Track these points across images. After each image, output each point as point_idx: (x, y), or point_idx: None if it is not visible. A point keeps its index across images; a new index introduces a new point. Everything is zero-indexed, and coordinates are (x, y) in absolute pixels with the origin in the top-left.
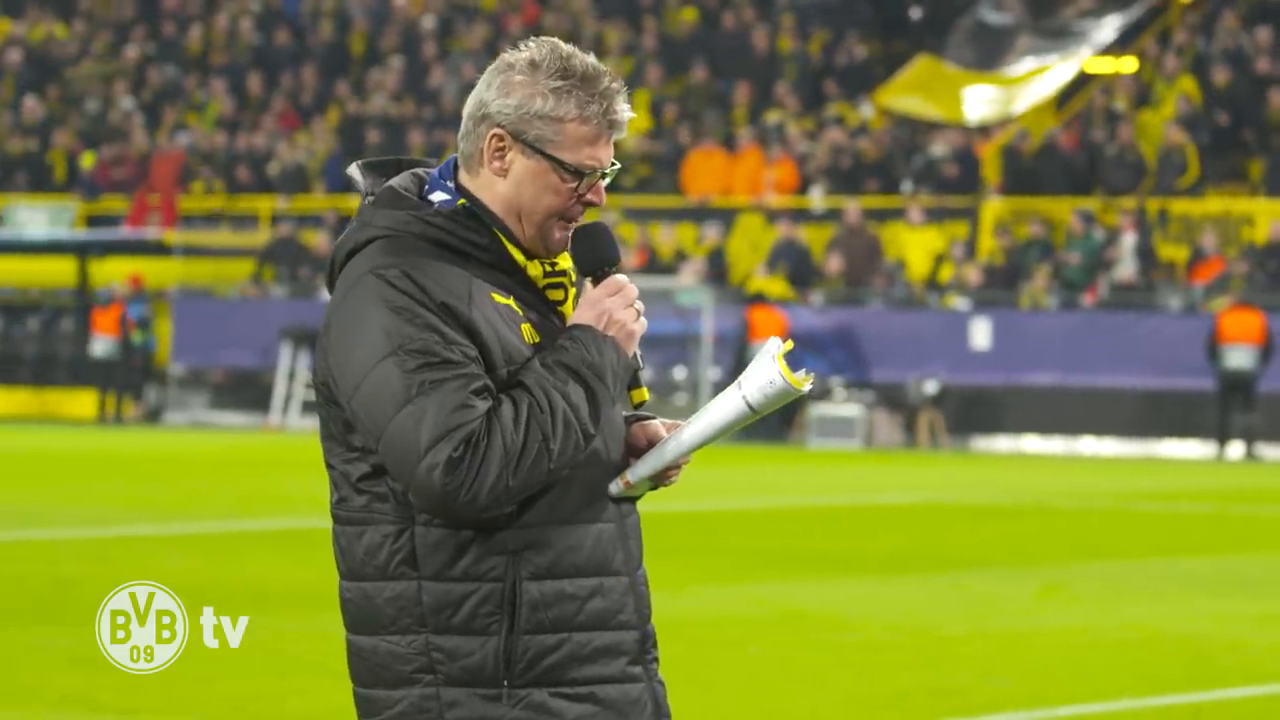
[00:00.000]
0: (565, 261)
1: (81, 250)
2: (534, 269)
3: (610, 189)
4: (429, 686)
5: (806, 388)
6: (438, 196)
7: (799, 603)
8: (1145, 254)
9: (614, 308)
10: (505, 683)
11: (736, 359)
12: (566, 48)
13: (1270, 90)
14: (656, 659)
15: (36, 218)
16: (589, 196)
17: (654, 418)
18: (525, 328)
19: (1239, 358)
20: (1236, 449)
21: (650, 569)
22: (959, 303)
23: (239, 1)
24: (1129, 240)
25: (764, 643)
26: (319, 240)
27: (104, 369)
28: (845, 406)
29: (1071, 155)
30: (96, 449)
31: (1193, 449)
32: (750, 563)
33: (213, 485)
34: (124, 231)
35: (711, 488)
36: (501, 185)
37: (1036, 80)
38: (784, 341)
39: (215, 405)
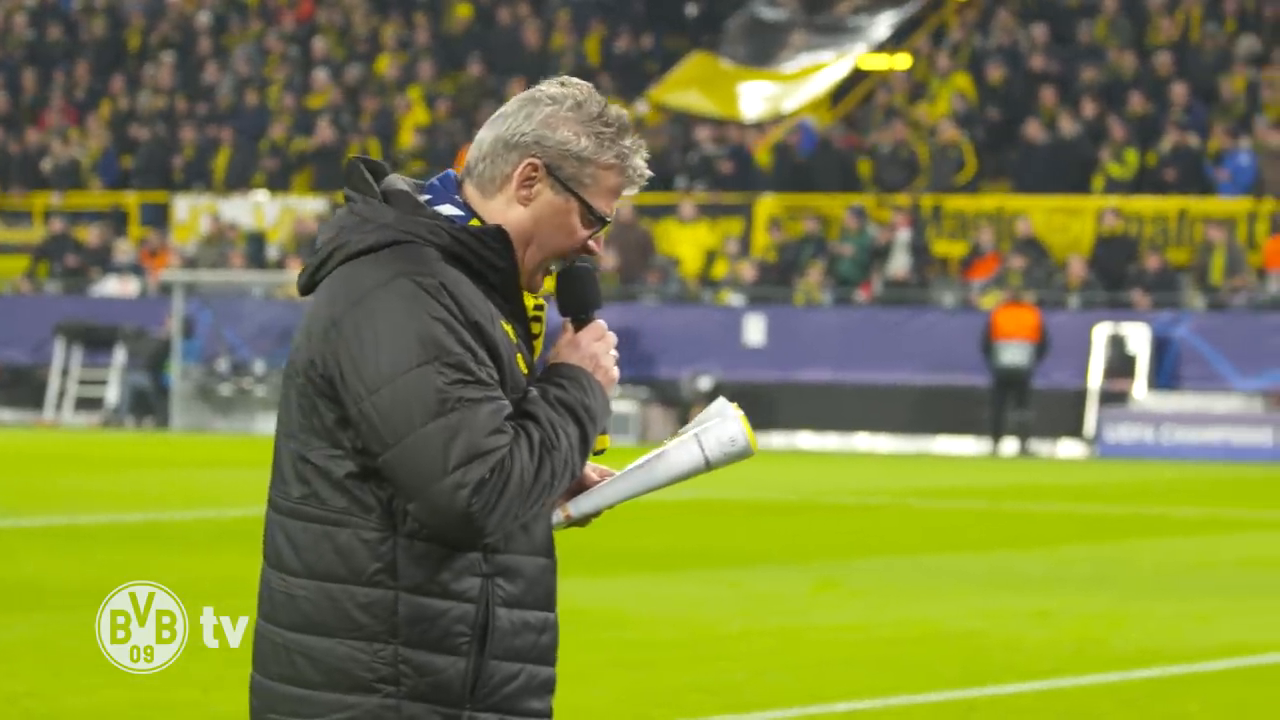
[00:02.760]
0: (537, 300)
1: None
2: (528, 300)
3: None
4: (389, 698)
5: (755, 450)
6: (448, 210)
7: (574, 600)
8: (919, 250)
9: (600, 354)
10: (467, 705)
11: None
12: (599, 94)
13: (1043, 87)
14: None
15: None
16: (590, 244)
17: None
18: (519, 357)
19: (1013, 354)
20: (1011, 445)
21: None
22: (733, 299)
23: None
24: (903, 237)
25: None
26: (92, 236)
27: None
28: (619, 403)
29: (845, 152)
30: None
31: (967, 445)
32: None
33: None
34: None
35: None
36: (519, 214)
37: (811, 77)
38: (737, 406)
39: None
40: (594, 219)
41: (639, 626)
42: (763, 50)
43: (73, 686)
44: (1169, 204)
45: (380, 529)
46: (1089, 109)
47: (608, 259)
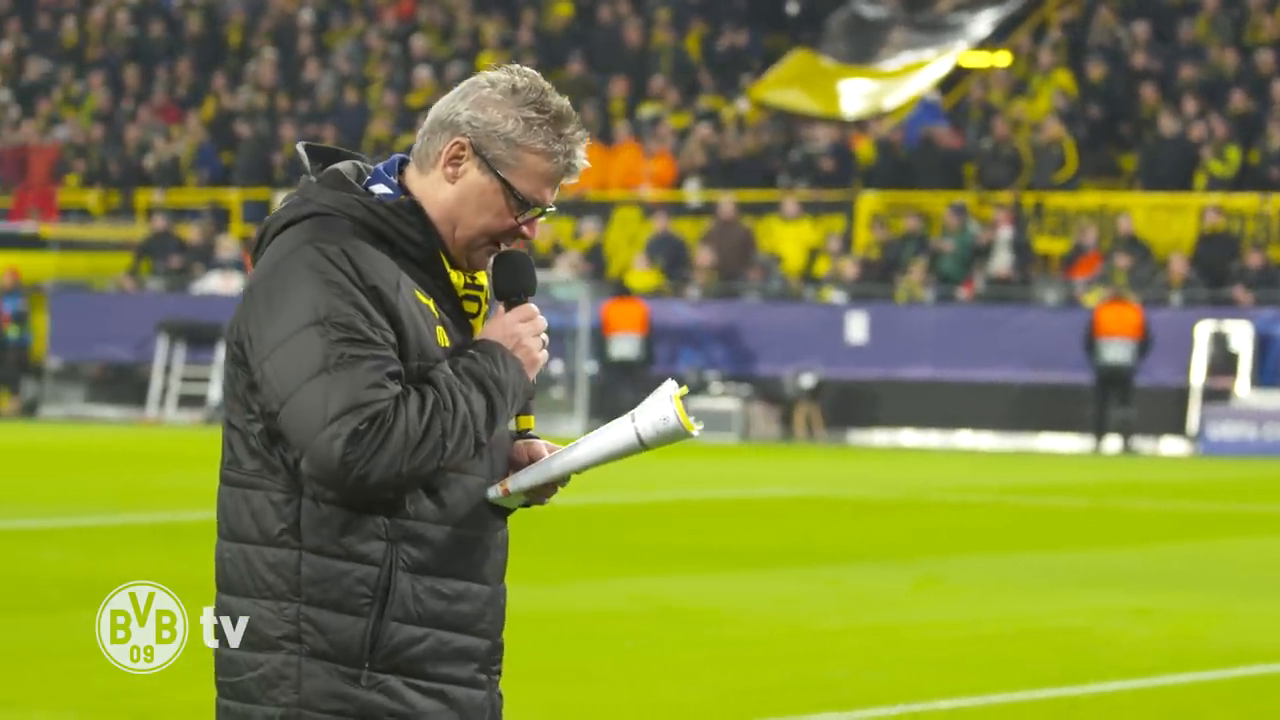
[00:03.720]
0: (483, 278)
1: None
2: (456, 278)
3: None
4: (292, 655)
5: (696, 432)
6: (380, 189)
7: (674, 598)
8: (1021, 248)
9: (524, 334)
10: (366, 665)
11: (599, 354)
12: (546, 83)
13: (1145, 84)
14: (500, 672)
15: None
16: (524, 229)
17: (538, 438)
18: (439, 330)
19: (1116, 351)
20: (1113, 443)
21: (526, 564)
22: (835, 296)
23: None
24: (1005, 234)
25: (639, 638)
26: (195, 233)
27: None
28: (722, 400)
29: (947, 150)
30: None
31: (1069, 443)
32: (626, 557)
33: (89, 479)
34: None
35: (587, 482)
36: (447, 192)
37: (912, 75)
38: (679, 386)
39: (91, 399)
40: (518, 202)
41: (738, 624)
42: (863, 48)
43: (174, 682)
44: (1271, 201)
45: (286, 490)
46: (1190, 106)
47: (705, 256)
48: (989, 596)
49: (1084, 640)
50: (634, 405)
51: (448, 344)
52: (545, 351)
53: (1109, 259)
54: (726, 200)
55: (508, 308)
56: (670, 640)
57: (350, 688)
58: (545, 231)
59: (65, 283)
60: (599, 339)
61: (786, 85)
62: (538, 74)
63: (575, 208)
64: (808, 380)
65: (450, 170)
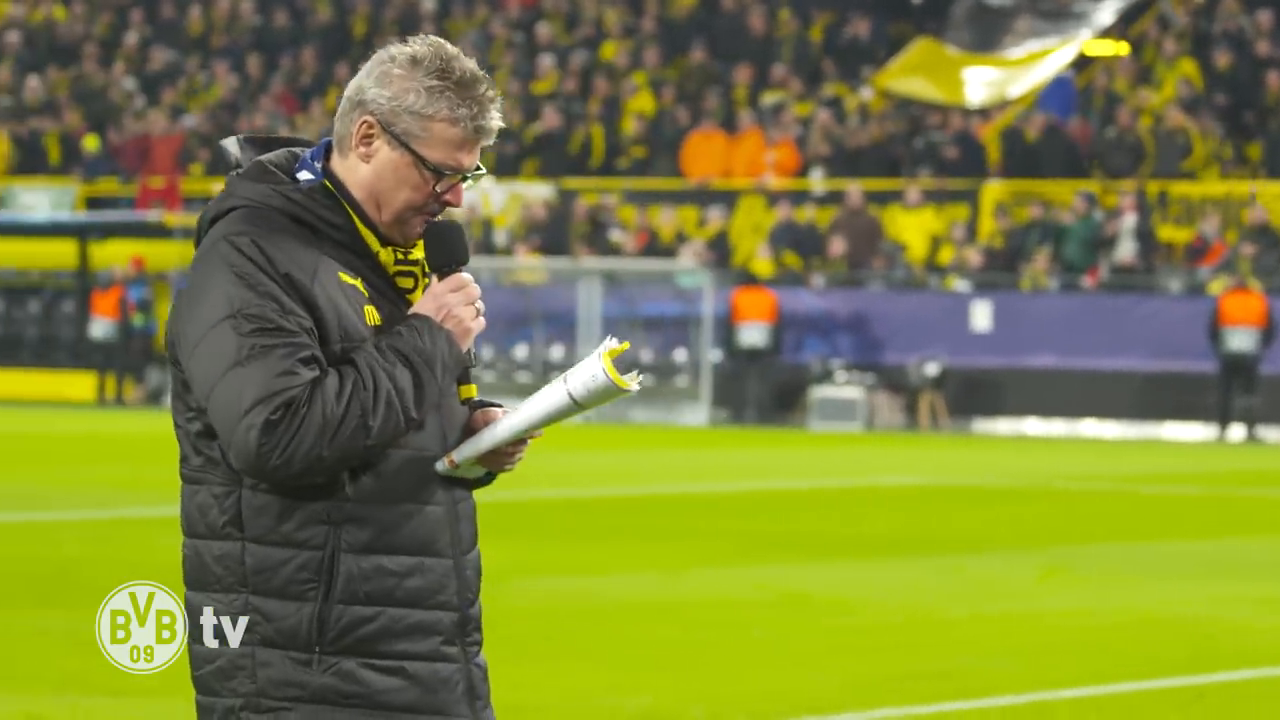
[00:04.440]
0: (419, 253)
1: (82, 233)
2: (386, 255)
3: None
4: (246, 645)
5: (633, 388)
6: (303, 176)
7: (800, 585)
8: (1145, 236)
9: (453, 303)
10: (317, 649)
11: (726, 341)
12: (451, 49)
13: (1270, 72)
14: (478, 642)
15: (37, 200)
16: (447, 197)
17: (499, 405)
18: (368, 309)
19: (1240, 340)
20: (1238, 431)
21: (652, 552)
22: (960, 285)
23: None
24: (1129, 222)
25: (765, 625)
26: None
27: (104, 351)
28: (846, 389)
29: (1071, 138)
30: (97, 431)
31: (1194, 431)
32: (751, 545)
33: None
34: (124, 214)
35: (713, 470)
36: (364, 170)
37: (1037, 63)
38: (619, 343)
39: None
40: (430, 170)
41: (864, 612)
42: (988, 36)
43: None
44: None
45: (226, 483)
46: None
47: (835, 245)
48: (1114, 585)
49: (1209, 629)
50: (760, 394)
51: (379, 322)
52: (480, 319)
53: (1233, 248)
54: (855, 188)
55: (440, 279)
56: (796, 628)
57: (303, 673)
58: (669, 219)
59: (189, 271)
60: (723, 327)
61: (911, 73)
62: (443, 42)
63: (699, 196)
64: (932, 369)
65: (363, 150)
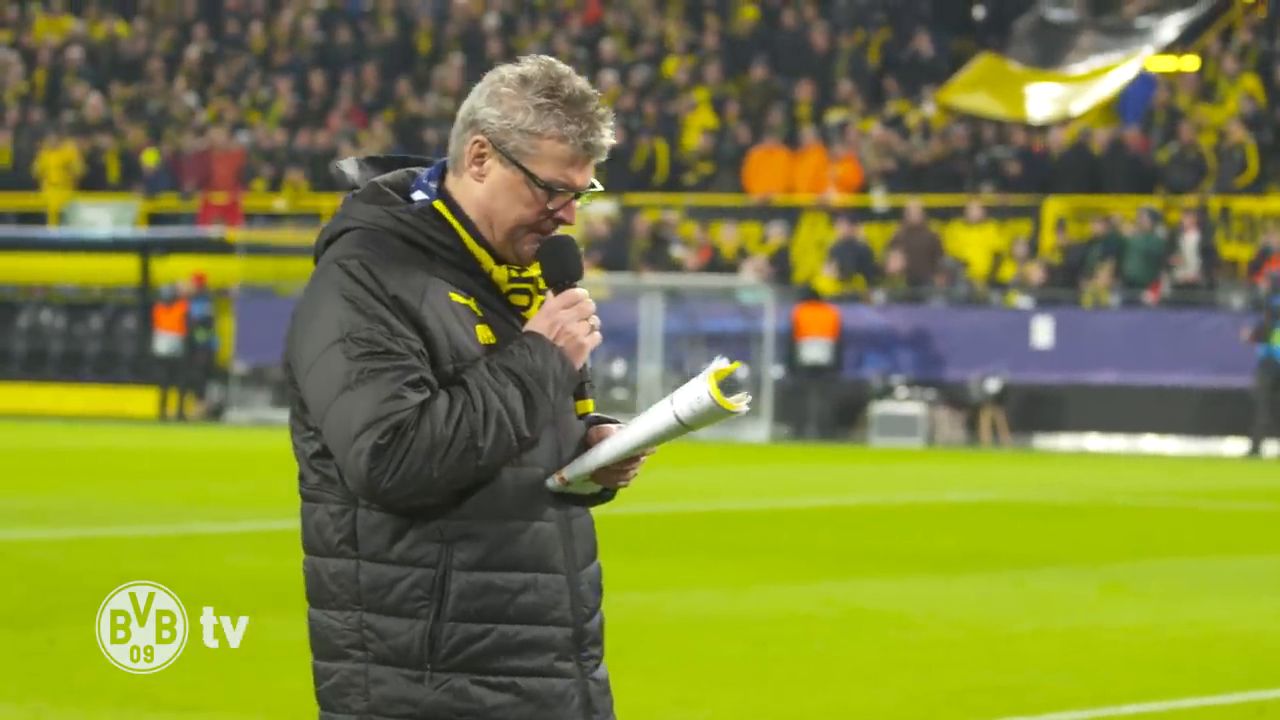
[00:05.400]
0: (534, 270)
1: (144, 248)
2: (499, 273)
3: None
4: (359, 662)
5: (741, 409)
6: (418, 196)
7: (861, 601)
8: (1207, 252)
9: (567, 320)
10: (429, 666)
11: (788, 357)
12: (562, 68)
13: None
14: (595, 656)
15: (99, 216)
16: (560, 214)
17: (614, 421)
18: (481, 328)
19: None
20: None
21: (715, 568)
22: (1021, 301)
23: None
24: (1191, 238)
25: (827, 641)
26: None
27: (167, 367)
28: (907, 405)
29: (1134, 154)
30: (159, 447)
31: (1242, 446)
32: (813, 561)
33: (276, 483)
34: (186, 229)
35: (775, 486)
36: (478, 190)
37: (1100, 79)
38: (730, 363)
39: (278, 403)
40: (540, 188)
41: (926, 627)
42: (1050, 52)
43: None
44: None
45: (342, 502)
46: None
47: (894, 261)
48: (1176, 600)
49: (1270, 644)
50: (821, 410)
51: (493, 340)
52: (595, 335)
53: None
54: (914, 204)
55: (554, 294)
56: (859, 643)
57: (415, 690)
58: (731, 236)
59: (251, 287)
60: (785, 343)
61: (973, 89)
62: (554, 61)
63: (761, 212)
64: (993, 384)
65: (476, 169)
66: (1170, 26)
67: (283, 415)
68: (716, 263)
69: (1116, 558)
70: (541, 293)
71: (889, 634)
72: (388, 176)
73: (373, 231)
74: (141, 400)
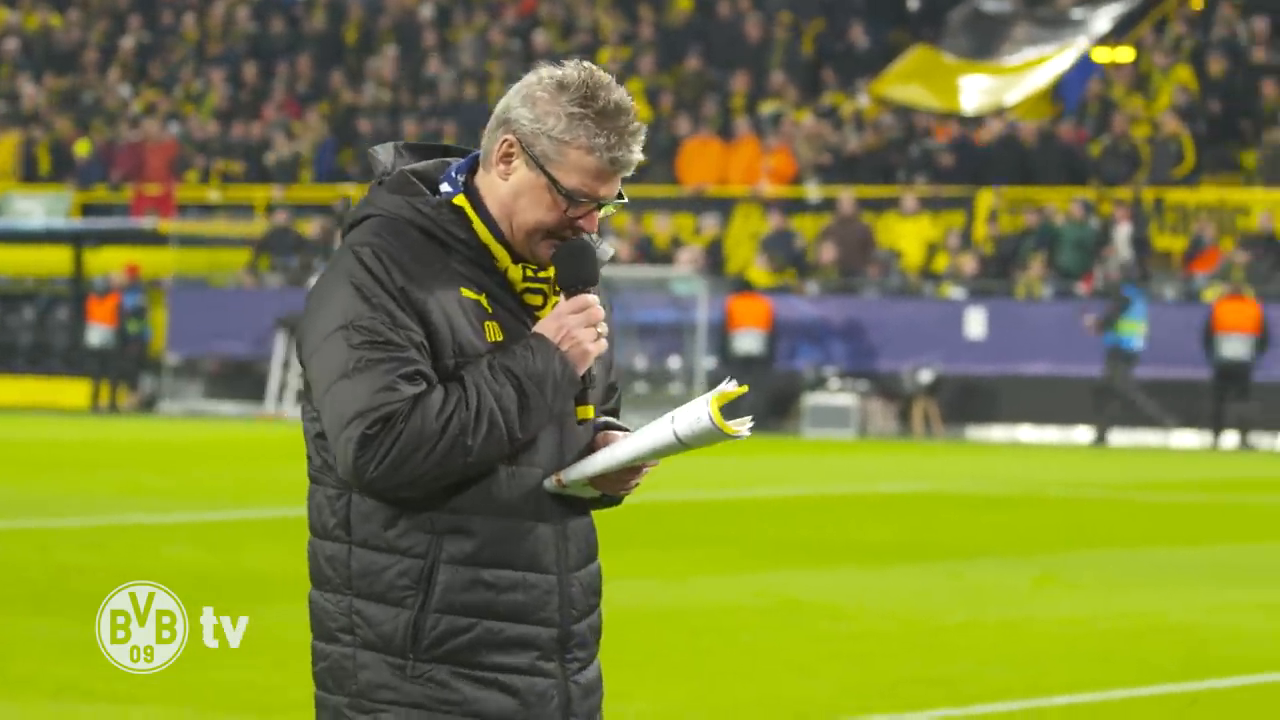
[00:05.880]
0: (550, 271)
1: (77, 239)
2: (515, 271)
3: None
4: (348, 646)
5: (741, 434)
6: (444, 188)
7: (794, 592)
8: (1140, 244)
9: (573, 324)
10: (411, 655)
11: (721, 348)
12: (602, 77)
13: (1265, 80)
14: (581, 660)
15: (32, 207)
16: (580, 222)
17: (624, 428)
18: (490, 325)
19: (1234, 347)
20: (1231, 438)
21: (646, 559)
22: (954, 292)
23: None
24: (1124, 230)
25: (759, 632)
26: (314, 230)
27: (99, 358)
28: (840, 396)
29: (1067, 145)
30: (91, 438)
31: (1188, 438)
32: (746, 552)
33: (208, 474)
34: (119, 221)
35: (707, 477)
36: (502, 188)
37: (1034, 70)
38: (737, 385)
39: (210, 394)
40: (563, 195)
41: (859, 619)
42: (985, 43)
43: (297, 679)
44: None
45: (338, 486)
46: None
47: (826, 252)
48: (1109, 592)
49: (1203, 635)
50: (754, 401)
51: (501, 338)
52: (601, 341)
53: (1228, 255)
54: (846, 196)
55: (567, 298)
56: (791, 635)
57: (398, 678)
58: (665, 227)
59: (184, 278)
60: (717, 334)
61: (907, 81)
62: (596, 68)
63: (695, 203)
64: (926, 376)
65: (503, 167)
66: (1105, 18)
67: (215, 406)
68: (650, 254)
69: (1049, 549)
70: (557, 294)
71: (822, 625)
72: (419, 166)
73: (392, 220)
74: (74, 391)
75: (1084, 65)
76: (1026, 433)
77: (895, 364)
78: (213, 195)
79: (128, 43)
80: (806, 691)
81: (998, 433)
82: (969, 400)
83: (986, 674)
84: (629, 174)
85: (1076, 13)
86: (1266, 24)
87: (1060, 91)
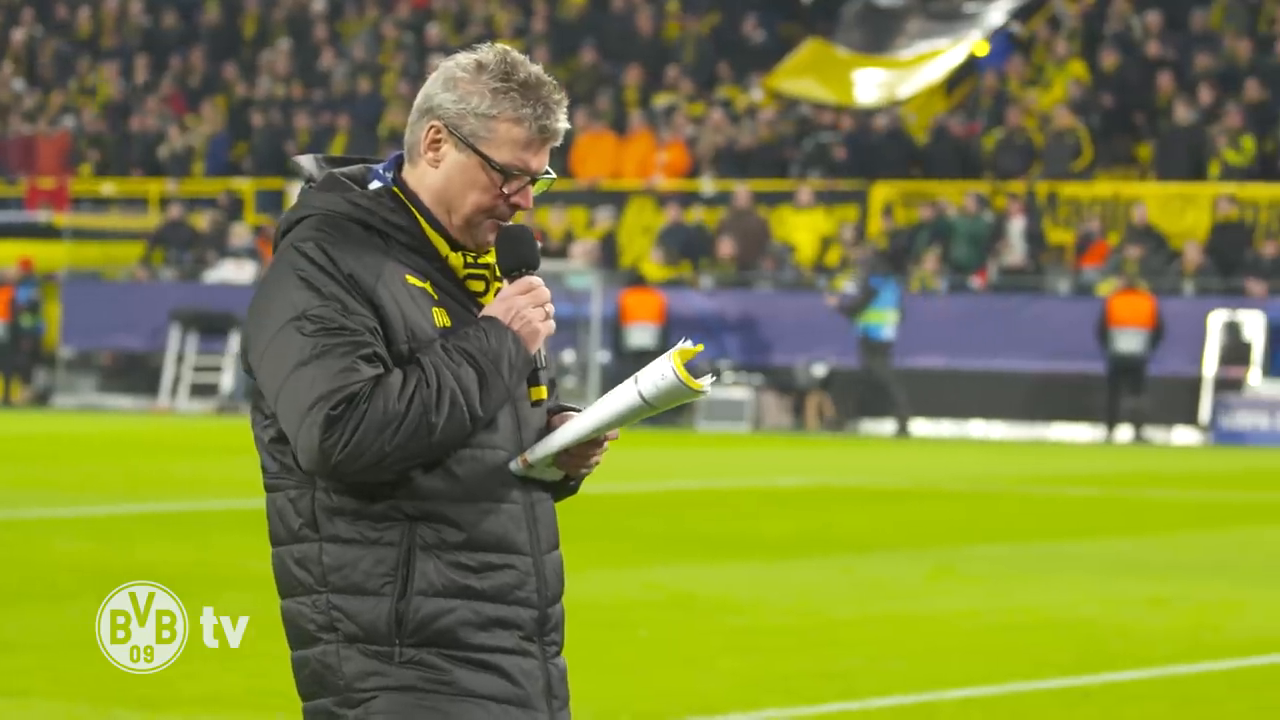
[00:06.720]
0: (490, 256)
1: None
2: (455, 259)
3: None
4: (330, 644)
5: (705, 389)
6: (374, 185)
7: (688, 586)
8: (1034, 237)
9: (522, 305)
10: (397, 641)
11: (614, 342)
12: (516, 55)
13: (1159, 73)
14: (556, 643)
15: None
16: (516, 199)
17: (577, 409)
18: (437, 311)
19: (1128, 341)
20: (1125, 432)
21: None
22: (848, 286)
23: None
24: (1018, 224)
25: (653, 626)
26: (207, 222)
27: None
28: (734, 389)
29: (961, 139)
30: None
31: (1082, 432)
32: (639, 546)
33: (102, 468)
34: (12, 214)
35: (601, 471)
36: (433, 176)
37: (927, 64)
38: (694, 344)
39: (104, 388)
40: (496, 171)
41: (752, 612)
42: (878, 37)
43: (189, 672)
44: None
45: (300, 486)
46: (1205, 96)
47: (724, 246)
48: (1003, 586)
49: (1098, 629)
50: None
51: (449, 324)
52: (549, 322)
53: (1120, 248)
54: (742, 190)
55: (510, 281)
56: (686, 629)
57: (386, 665)
58: (559, 220)
59: (78, 272)
60: (612, 328)
61: (801, 74)
62: (509, 48)
63: (589, 197)
64: (820, 370)
65: (432, 155)
66: (998, 11)
67: (109, 400)
68: (543, 247)
69: (944, 543)
70: (498, 279)
71: (716, 619)
72: (344, 169)
73: (329, 216)
74: None
75: (1003, 39)
76: (921, 427)
77: (789, 358)
78: (106, 189)
79: (19, 36)
80: (701, 686)
81: (891, 427)
82: (863, 394)
83: (880, 668)
84: (557, 143)
85: (970, 7)
86: (1159, 18)
87: (981, 64)
